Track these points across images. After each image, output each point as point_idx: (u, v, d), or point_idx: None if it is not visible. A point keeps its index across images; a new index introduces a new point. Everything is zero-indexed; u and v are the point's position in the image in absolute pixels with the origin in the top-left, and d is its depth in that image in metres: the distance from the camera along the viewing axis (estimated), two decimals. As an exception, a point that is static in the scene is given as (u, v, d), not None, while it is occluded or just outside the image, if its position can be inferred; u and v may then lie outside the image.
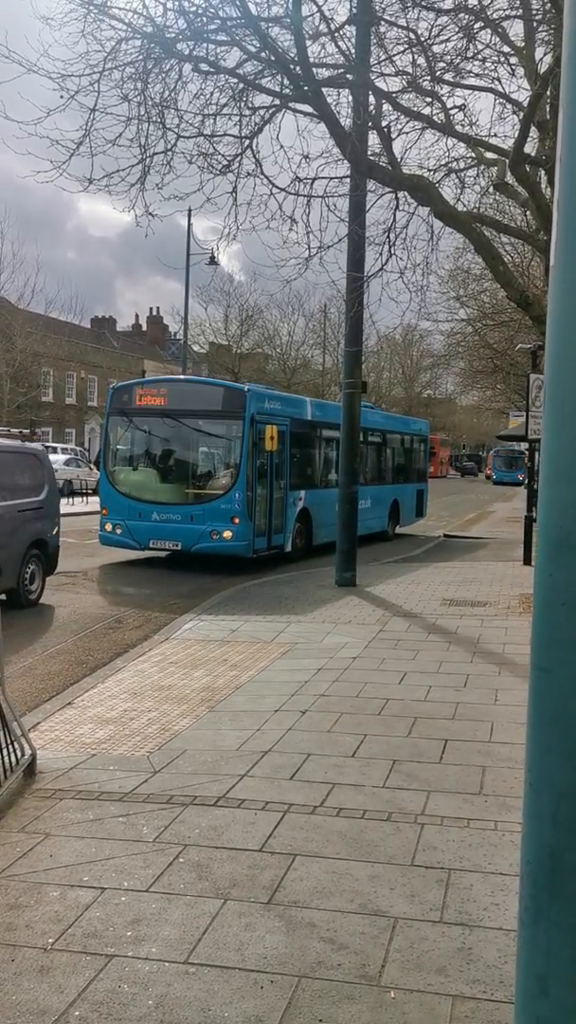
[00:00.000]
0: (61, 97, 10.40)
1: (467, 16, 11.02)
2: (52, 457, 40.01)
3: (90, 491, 33.21)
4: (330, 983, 3.49)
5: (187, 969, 3.58)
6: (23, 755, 5.71)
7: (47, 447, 44.53)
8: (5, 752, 5.46)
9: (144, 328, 77.56)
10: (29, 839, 4.80)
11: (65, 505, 31.19)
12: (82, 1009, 3.32)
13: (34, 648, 9.79)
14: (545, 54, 11.75)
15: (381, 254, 11.96)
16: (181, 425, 16.86)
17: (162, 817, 5.06)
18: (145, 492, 16.76)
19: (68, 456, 41.75)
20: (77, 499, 34.13)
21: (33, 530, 12.27)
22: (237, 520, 15.76)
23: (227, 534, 15.74)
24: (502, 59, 11.90)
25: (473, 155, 12.77)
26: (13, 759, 5.55)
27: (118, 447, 17.59)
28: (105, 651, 9.75)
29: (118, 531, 16.60)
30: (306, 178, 11.66)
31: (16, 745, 5.66)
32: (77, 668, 9.00)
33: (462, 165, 12.94)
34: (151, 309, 78.52)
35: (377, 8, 11.43)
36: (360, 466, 17.02)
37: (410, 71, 12.08)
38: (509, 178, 12.10)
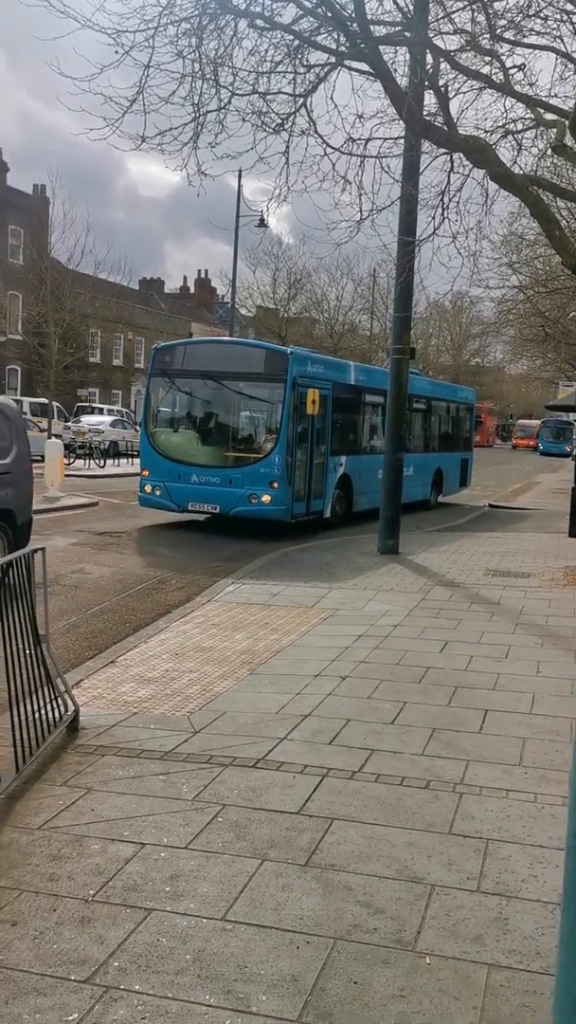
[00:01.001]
0: (116, 53, 10.31)
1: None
2: (98, 418, 40.25)
3: (135, 453, 33.42)
4: (365, 946, 3.51)
5: (224, 926, 3.62)
6: (66, 711, 5.80)
7: (93, 408, 44.95)
8: (49, 707, 5.55)
9: (192, 290, 77.38)
10: (72, 793, 4.88)
11: (111, 466, 31.58)
12: (121, 960, 3.38)
13: (77, 607, 9.91)
14: (611, 11, 11.38)
15: (434, 217, 11.76)
16: (222, 387, 16.71)
17: (201, 777, 5.12)
18: (185, 454, 16.67)
19: (114, 417, 42.02)
20: (123, 460, 34.32)
21: None
22: (276, 484, 15.66)
23: (265, 498, 15.66)
24: (564, 17, 11.56)
25: (532, 116, 12.44)
26: (56, 715, 5.64)
27: (159, 408, 17.51)
28: (148, 611, 9.84)
29: (157, 492, 16.57)
30: (360, 138, 11.48)
31: (59, 701, 5.74)
32: (120, 627, 9.10)
33: (520, 127, 12.66)
34: (199, 271, 78.44)
35: (438, -37, 11.13)
36: (405, 433, 16.80)
37: (469, 29, 11.79)
38: (569, 140, 11.78)
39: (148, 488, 16.76)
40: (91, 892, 3.86)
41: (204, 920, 3.66)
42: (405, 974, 3.35)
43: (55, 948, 3.45)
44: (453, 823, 4.60)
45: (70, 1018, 3.05)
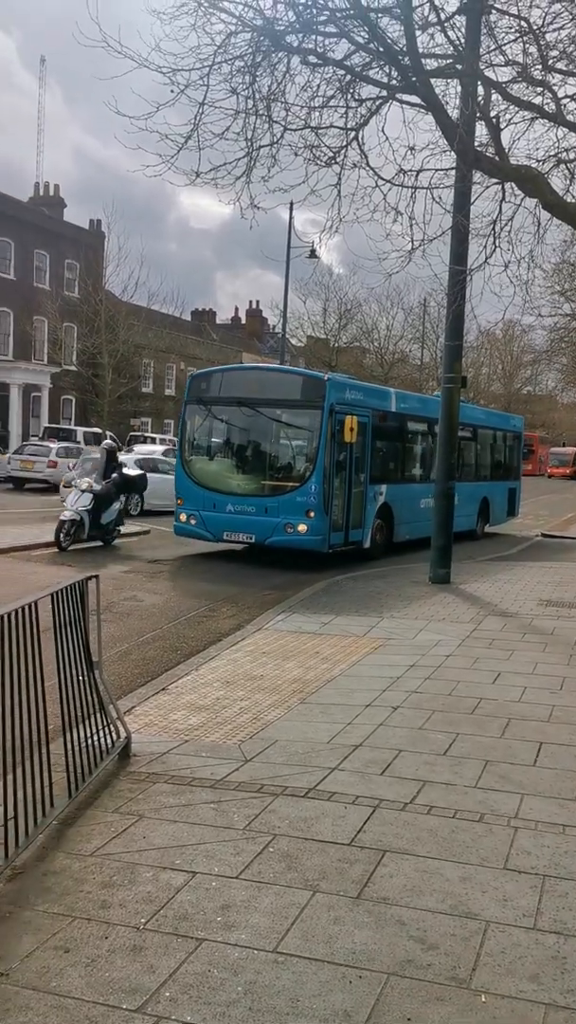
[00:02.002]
0: (171, 91, 10.57)
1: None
2: (150, 447, 40.75)
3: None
4: (419, 982, 3.45)
5: (276, 958, 3.59)
6: (118, 738, 5.83)
7: (146, 437, 45.46)
8: (101, 734, 5.58)
9: (243, 321, 78.22)
10: (123, 820, 4.89)
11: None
12: (172, 990, 3.36)
13: (130, 634, 9.98)
14: None
15: (485, 247, 11.79)
16: (258, 414, 16.35)
17: (252, 806, 5.10)
18: (220, 482, 16.36)
19: (166, 447, 42.43)
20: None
21: None
22: (312, 513, 15.23)
23: (302, 528, 15.23)
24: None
25: (584, 145, 12.43)
26: (109, 741, 5.67)
27: (194, 436, 17.20)
28: (199, 639, 9.87)
29: (192, 522, 16.25)
30: (411, 170, 11.58)
31: (112, 728, 5.78)
32: (171, 655, 9.14)
33: (572, 156, 12.62)
34: (250, 302, 79.23)
35: (488, -4, 11.23)
36: (456, 462, 16.61)
37: (520, 60, 11.85)
38: (622, 169, 11.74)
39: (183, 517, 16.46)
40: (142, 920, 3.86)
41: (255, 951, 3.63)
42: (460, 1012, 3.28)
43: (107, 976, 3.45)
44: (508, 858, 4.52)
45: (121, 1047, 3.04)
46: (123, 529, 18.19)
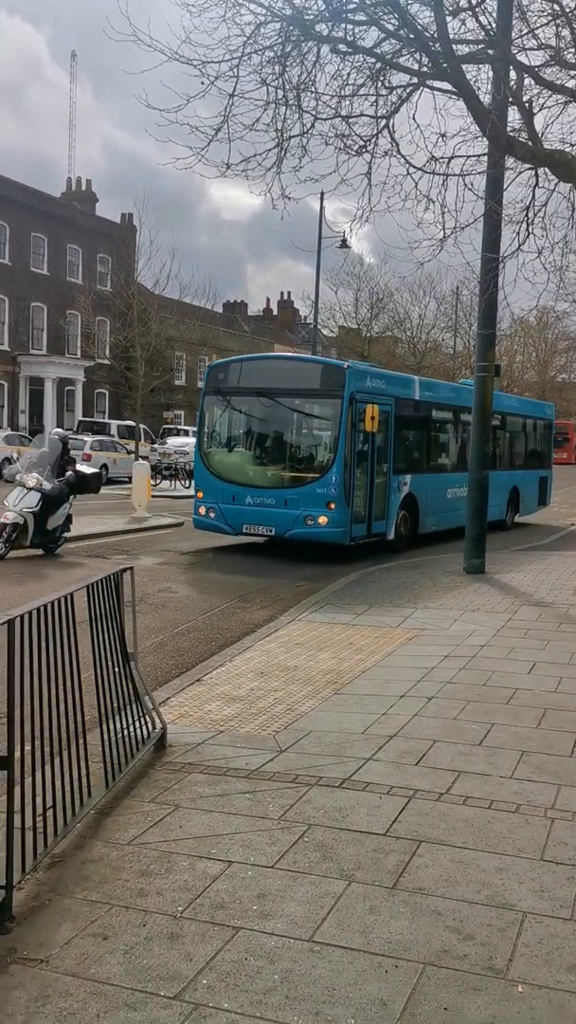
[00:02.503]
0: (202, 83, 10.55)
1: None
2: (183, 440, 40.86)
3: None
4: (455, 972, 3.45)
5: (312, 947, 3.61)
6: (154, 728, 5.88)
7: (179, 430, 45.63)
8: (137, 725, 5.63)
9: (275, 312, 78.15)
10: (160, 809, 4.93)
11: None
12: (209, 978, 3.39)
13: (164, 625, 10.05)
14: None
15: (518, 233, 11.66)
16: (277, 404, 16.08)
17: (287, 796, 5.12)
18: (239, 474, 16.04)
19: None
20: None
21: None
22: (333, 505, 14.87)
23: (322, 520, 14.86)
24: None
25: (619, 128, 12.24)
26: (145, 732, 5.71)
27: (213, 428, 16.89)
28: (233, 630, 9.91)
29: (211, 515, 15.91)
30: (443, 157, 11.47)
31: (148, 718, 5.82)
32: (206, 646, 9.19)
33: (607, 139, 12.45)
34: (282, 293, 79.19)
35: (520, -20, 11.10)
36: (490, 451, 16.35)
37: (553, 44, 11.69)
38: None
39: (202, 510, 16.15)
40: (179, 909, 3.89)
41: (292, 940, 3.65)
42: (497, 1002, 3.28)
43: (145, 963, 3.49)
44: (545, 849, 4.50)
45: (160, 1033, 3.08)
46: (157, 522, 18.06)
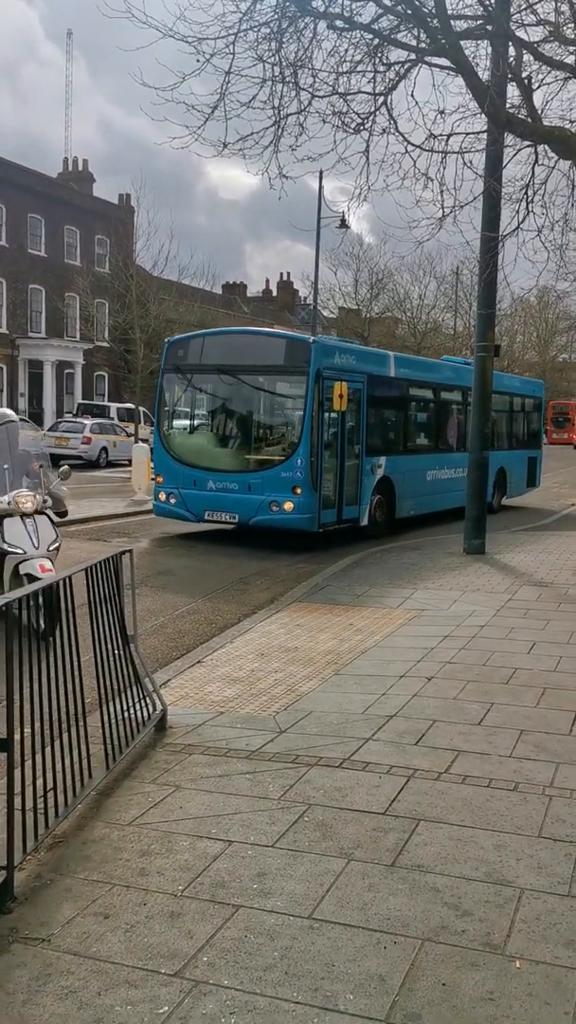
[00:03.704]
0: (197, 61, 10.46)
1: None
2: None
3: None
4: (453, 948, 3.48)
5: (311, 924, 3.64)
6: (155, 710, 5.90)
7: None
8: (138, 706, 5.65)
9: (274, 293, 77.87)
10: (160, 790, 4.96)
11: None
12: (210, 955, 3.42)
13: (164, 607, 10.07)
14: None
15: (518, 212, 11.58)
16: (240, 382, 15.08)
17: (287, 776, 5.14)
18: (200, 458, 15.12)
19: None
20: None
21: None
22: (299, 490, 13.99)
23: (288, 506, 14.01)
24: None
25: (619, 105, 12.15)
26: (145, 714, 5.74)
27: (173, 408, 15.92)
28: (233, 612, 9.94)
29: (172, 501, 15.07)
30: (441, 134, 11.38)
31: (148, 700, 5.85)
32: (206, 628, 9.21)
33: (607, 116, 12.35)
34: (281, 274, 78.94)
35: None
36: (488, 430, 15.63)
37: (552, 19, 11.58)
38: None
39: (162, 496, 15.27)
40: (180, 888, 3.92)
41: (291, 918, 3.68)
42: (495, 977, 3.31)
43: (146, 941, 3.52)
44: (543, 826, 4.53)
45: (161, 1011, 3.11)
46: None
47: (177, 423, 16.06)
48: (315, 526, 14.37)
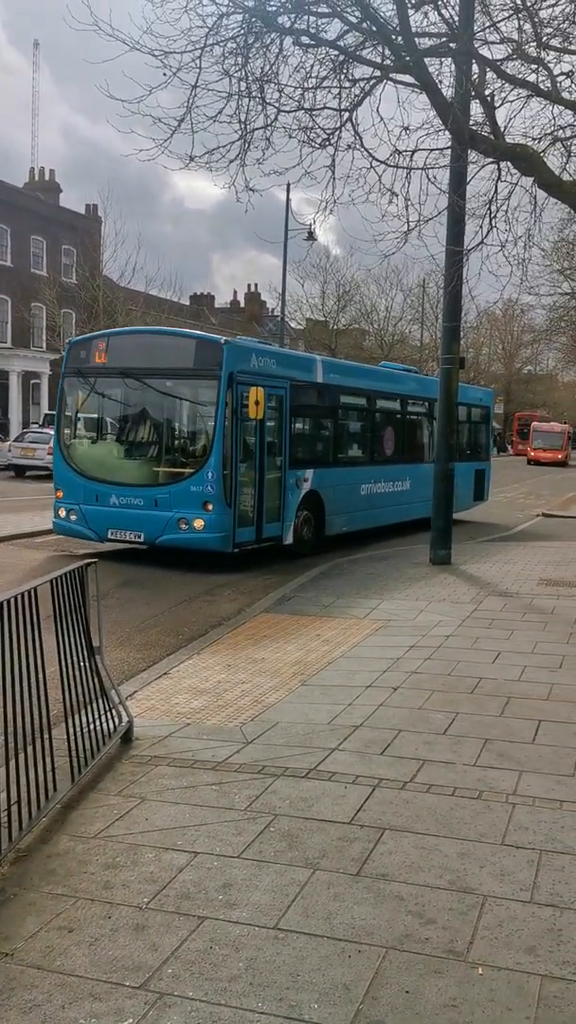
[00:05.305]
0: (164, 74, 10.51)
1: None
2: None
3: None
4: (417, 956, 3.51)
5: (276, 935, 3.65)
6: (120, 722, 5.89)
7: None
8: (104, 719, 5.64)
9: (242, 304, 78.01)
10: (126, 802, 4.95)
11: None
12: (175, 967, 3.42)
13: (131, 619, 10.04)
14: None
15: (482, 227, 11.74)
16: (146, 387, 13.79)
17: (254, 787, 5.15)
18: (103, 470, 13.94)
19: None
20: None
21: None
22: (211, 506, 12.83)
23: (198, 523, 12.85)
24: (613, 22, 11.48)
25: (580, 123, 12.36)
26: (111, 726, 5.72)
27: (74, 415, 14.75)
28: (200, 623, 9.93)
29: (72, 517, 13.89)
30: (406, 150, 11.50)
31: (114, 712, 5.83)
32: (173, 639, 9.19)
33: (568, 133, 12.56)
34: (249, 285, 79.15)
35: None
36: (454, 442, 15.70)
37: (515, 38, 11.78)
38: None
39: (62, 512, 14.03)
40: (145, 900, 3.92)
41: (256, 928, 3.69)
42: (457, 984, 3.34)
43: (110, 954, 3.51)
44: (506, 834, 4.58)
45: (125, 1023, 3.10)
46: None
47: (78, 431, 14.94)
48: (229, 546, 13.22)
